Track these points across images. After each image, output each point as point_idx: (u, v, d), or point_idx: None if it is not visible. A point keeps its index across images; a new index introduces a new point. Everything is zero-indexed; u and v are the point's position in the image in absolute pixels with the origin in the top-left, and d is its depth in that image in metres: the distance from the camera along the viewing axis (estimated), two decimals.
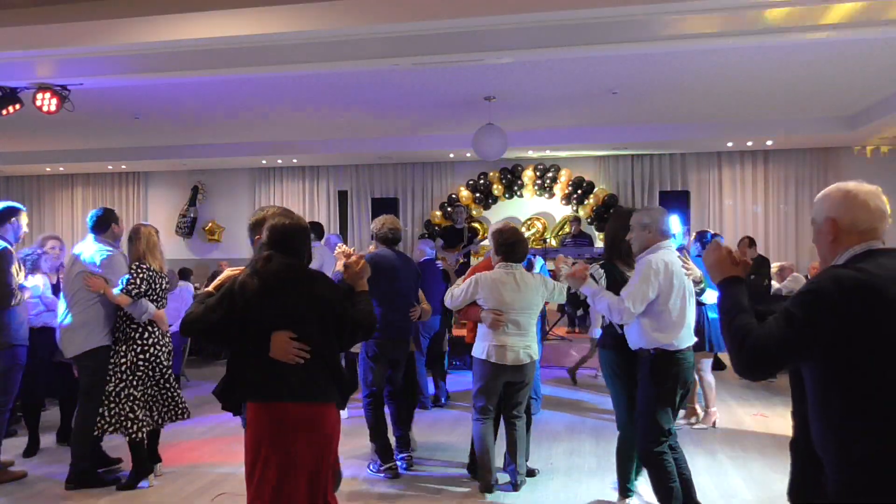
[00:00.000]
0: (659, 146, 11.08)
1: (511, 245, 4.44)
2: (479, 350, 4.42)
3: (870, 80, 7.63)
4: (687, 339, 3.78)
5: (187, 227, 13.00)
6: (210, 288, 3.01)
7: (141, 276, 4.49)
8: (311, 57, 5.73)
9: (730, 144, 10.89)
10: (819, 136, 10.16)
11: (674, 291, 3.70)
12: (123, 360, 4.49)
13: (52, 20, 5.27)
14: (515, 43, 5.40)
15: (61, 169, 13.27)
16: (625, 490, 4.12)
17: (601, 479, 4.74)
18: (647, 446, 3.71)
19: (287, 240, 2.95)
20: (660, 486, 3.70)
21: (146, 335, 4.56)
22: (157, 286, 4.59)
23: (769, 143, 10.73)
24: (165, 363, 4.64)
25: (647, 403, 3.72)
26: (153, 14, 5.17)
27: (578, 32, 5.19)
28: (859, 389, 1.90)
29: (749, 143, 10.80)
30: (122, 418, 4.44)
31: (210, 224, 13.12)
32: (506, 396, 4.52)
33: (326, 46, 5.38)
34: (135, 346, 4.51)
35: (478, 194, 11.74)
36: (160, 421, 4.67)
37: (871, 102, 8.71)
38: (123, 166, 12.96)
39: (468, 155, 11.19)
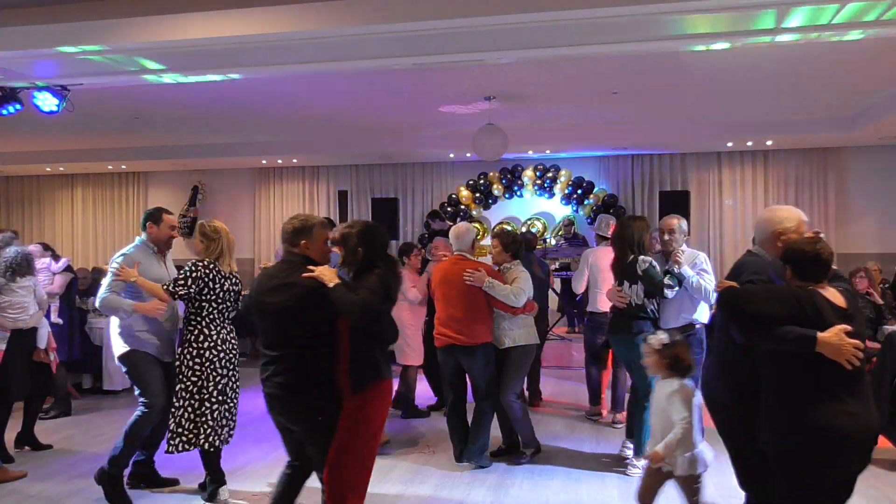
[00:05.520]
0: (659, 146, 11.09)
1: (520, 244, 5.16)
2: (530, 336, 5.07)
3: (870, 80, 7.63)
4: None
5: (187, 227, 12.99)
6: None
7: (195, 274, 4.18)
8: (312, 57, 5.72)
9: (730, 144, 10.89)
10: (819, 136, 10.16)
11: None
12: (179, 366, 4.23)
13: (52, 20, 5.27)
14: (515, 43, 5.39)
15: (61, 169, 13.27)
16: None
17: (601, 478, 4.75)
18: None
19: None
20: None
21: (201, 338, 4.24)
22: (218, 286, 4.24)
23: (769, 143, 10.73)
24: (221, 370, 4.25)
25: None
26: (153, 14, 5.17)
27: (578, 32, 5.19)
28: None
29: (749, 143, 10.80)
30: (185, 432, 4.17)
31: None
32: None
33: (326, 46, 5.38)
34: (190, 350, 4.22)
35: (478, 194, 11.74)
36: (224, 438, 4.32)
37: (871, 102, 8.71)
38: (123, 166, 12.95)
39: (468, 155, 11.19)
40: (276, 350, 3.27)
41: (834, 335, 2.64)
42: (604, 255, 5.85)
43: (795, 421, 2.71)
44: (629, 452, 4.97)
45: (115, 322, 4.42)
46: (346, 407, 3.25)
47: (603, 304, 5.74)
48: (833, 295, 2.80)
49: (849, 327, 2.67)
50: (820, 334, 2.65)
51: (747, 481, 3.20)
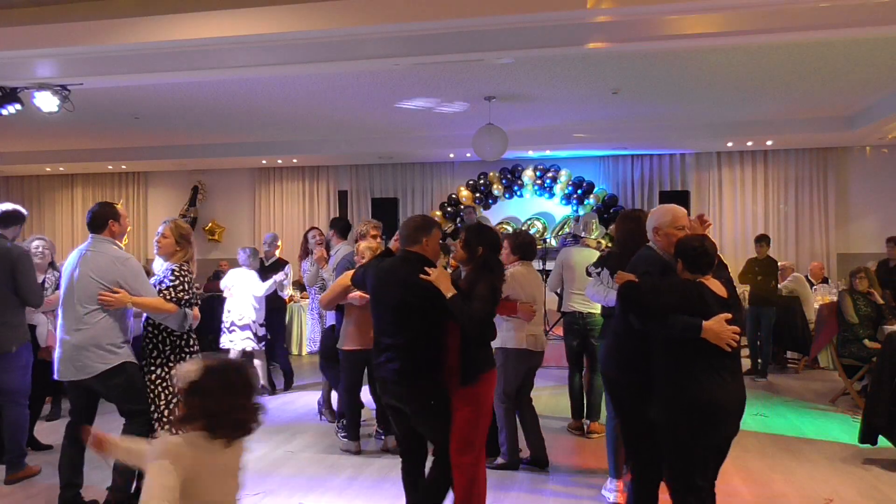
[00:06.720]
0: (659, 146, 11.09)
1: (528, 245, 5.02)
2: (514, 340, 4.82)
3: (870, 80, 7.63)
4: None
5: None
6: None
7: (187, 279, 4.04)
8: (311, 57, 5.73)
9: (730, 144, 10.89)
10: (819, 136, 10.17)
11: None
12: (166, 375, 4.00)
13: (52, 20, 5.27)
14: (515, 43, 5.40)
15: (61, 169, 13.27)
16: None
17: (601, 478, 4.74)
18: None
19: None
20: None
21: (191, 342, 4.15)
22: (193, 289, 4.16)
23: (769, 143, 10.74)
24: None
25: None
26: (153, 14, 5.18)
27: (578, 32, 5.19)
28: None
29: (749, 143, 10.81)
30: None
31: (210, 224, 13.12)
32: (525, 381, 4.96)
33: (326, 46, 5.38)
34: (183, 357, 4.07)
35: (478, 194, 11.74)
36: None
37: (871, 102, 8.71)
38: (123, 166, 12.96)
39: (468, 155, 11.20)
40: (391, 338, 3.49)
41: (715, 323, 3.05)
42: (578, 255, 5.90)
43: (683, 395, 3.11)
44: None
45: (101, 330, 3.90)
46: (458, 404, 3.47)
47: (578, 305, 5.79)
48: (716, 286, 3.20)
49: (729, 315, 3.08)
50: (704, 322, 3.04)
51: (632, 449, 3.56)
